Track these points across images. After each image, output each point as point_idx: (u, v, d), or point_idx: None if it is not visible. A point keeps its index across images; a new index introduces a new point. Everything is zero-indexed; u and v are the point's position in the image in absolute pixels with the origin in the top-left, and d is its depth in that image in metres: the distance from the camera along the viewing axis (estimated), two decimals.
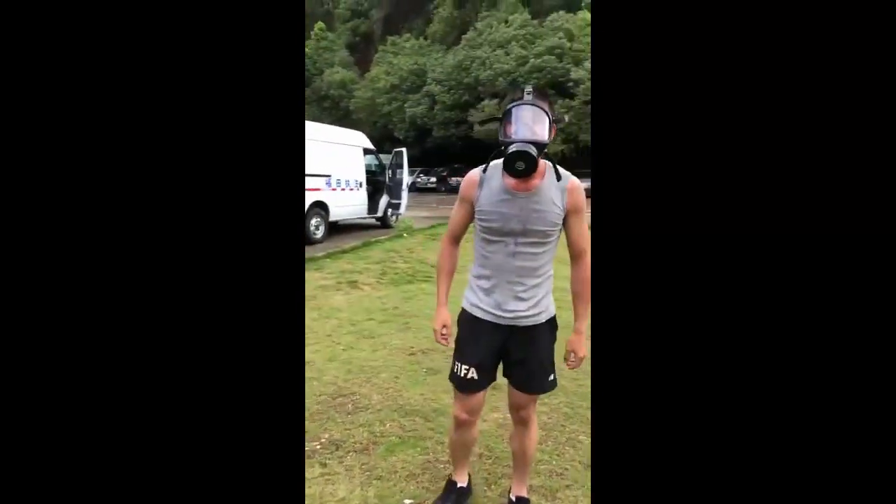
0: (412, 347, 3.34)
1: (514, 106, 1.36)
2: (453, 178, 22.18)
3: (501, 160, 1.40)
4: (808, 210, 0.60)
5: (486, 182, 1.49)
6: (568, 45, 21.24)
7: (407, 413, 2.42)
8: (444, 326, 1.62)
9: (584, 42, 21.32)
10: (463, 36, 25.58)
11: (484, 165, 1.51)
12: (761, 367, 0.61)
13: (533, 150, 1.29)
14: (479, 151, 23.39)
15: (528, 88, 1.38)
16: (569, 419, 2.37)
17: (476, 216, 1.53)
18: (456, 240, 1.65)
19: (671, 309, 0.65)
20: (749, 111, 0.62)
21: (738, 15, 0.63)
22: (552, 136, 1.38)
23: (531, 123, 1.34)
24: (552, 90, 17.22)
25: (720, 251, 0.63)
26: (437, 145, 24.67)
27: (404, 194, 10.04)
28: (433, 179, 23.25)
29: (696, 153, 0.64)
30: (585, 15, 23.18)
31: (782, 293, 0.60)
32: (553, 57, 21.00)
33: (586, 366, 1.61)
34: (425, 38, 29.58)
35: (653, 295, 0.65)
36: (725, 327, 0.62)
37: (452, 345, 1.64)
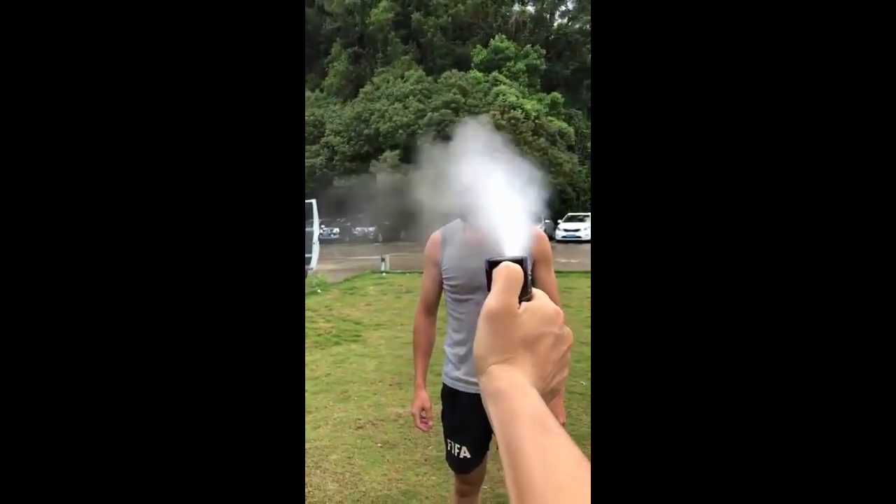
0: (359, 420, 3.04)
1: None
2: (357, 229, 21.85)
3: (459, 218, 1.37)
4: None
5: (448, 241, 1.47)
6: (463, 99, 22.38)
7: (373, 502, 2.14)
8: (423, 409, 1.53)
9: (477, 97, 22.68)
10: (361, 89, 25.95)
11: (443, 226, 1.49)
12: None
13: None
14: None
15: None
16: None
17: (443, 277, 1.49)
18: (430, 309, 1.57)
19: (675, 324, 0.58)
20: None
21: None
22: None
23: None
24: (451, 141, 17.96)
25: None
26: (338, 196, 24.32)
27: (315, 248, 9.62)
28: (336, 230, 22.70)
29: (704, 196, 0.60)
30: (476, 73, 24.79)
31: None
32: (450, 111, 21.93)
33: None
34: (321, 91, 29.57)
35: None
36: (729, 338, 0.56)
37: (427, 428, 1.59)
